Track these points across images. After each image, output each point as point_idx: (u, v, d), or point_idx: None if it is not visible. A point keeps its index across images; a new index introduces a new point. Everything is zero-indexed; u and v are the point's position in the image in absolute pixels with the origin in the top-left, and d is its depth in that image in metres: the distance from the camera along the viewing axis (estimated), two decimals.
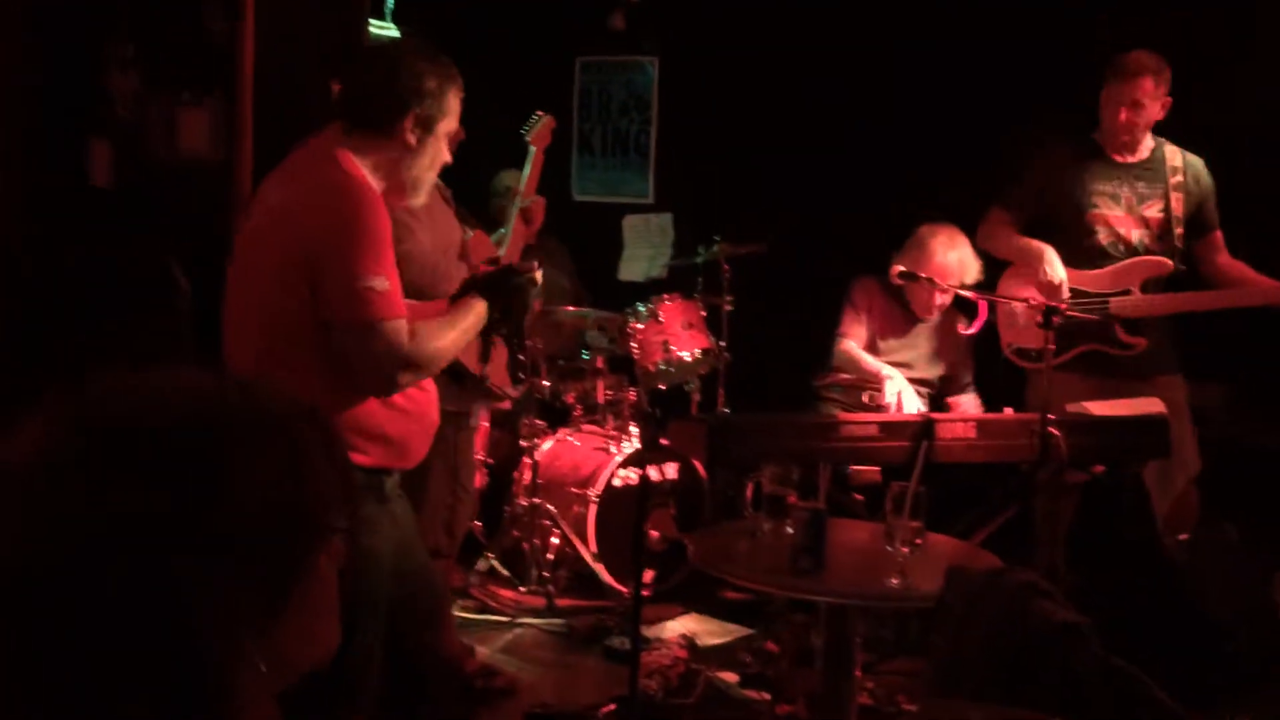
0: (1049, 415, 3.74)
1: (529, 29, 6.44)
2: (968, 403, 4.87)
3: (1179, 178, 4.40)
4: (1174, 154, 4.44)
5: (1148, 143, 4.45)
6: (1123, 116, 4.35)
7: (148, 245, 4.07)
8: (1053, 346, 3.71)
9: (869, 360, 4.80)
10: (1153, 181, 4.41)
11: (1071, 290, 4.40)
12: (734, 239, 5.35)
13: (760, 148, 6.12)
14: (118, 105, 4.26)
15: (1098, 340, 4.40)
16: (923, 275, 4.45)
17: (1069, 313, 3.86)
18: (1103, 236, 4.42)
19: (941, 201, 5.06)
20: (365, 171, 2.65)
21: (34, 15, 4.20)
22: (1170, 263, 4.37)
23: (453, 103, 2.73)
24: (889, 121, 5.86)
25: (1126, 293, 4.38)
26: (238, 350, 2.72)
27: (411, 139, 2.66)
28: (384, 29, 4.94)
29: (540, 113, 4.23)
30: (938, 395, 4.92)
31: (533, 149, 4.16)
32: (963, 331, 4.83)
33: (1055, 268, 4.38)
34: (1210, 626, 3.81)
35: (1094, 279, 4.41)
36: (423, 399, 2.81)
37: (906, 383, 4.71)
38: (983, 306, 4.49)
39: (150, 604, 0.89)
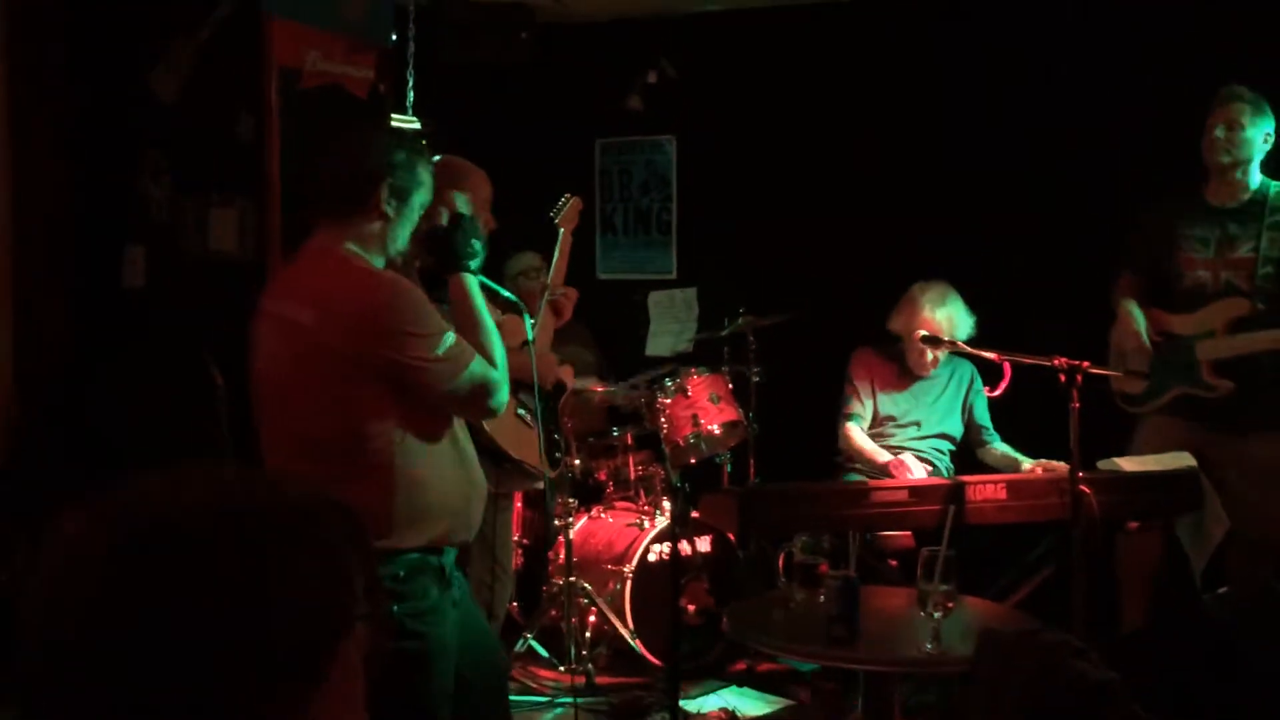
0: (1079, 473, 3.74)
1: (548, 114, 6.56)
2: (1007, 449, 4.84)
3: (1277, 217, 4.33)
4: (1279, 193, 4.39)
5: (1250, 184, 4.40)
6: (1216, 135, 4.33)
7: (182, 347, 4.16)
8: (1077, 405, 3.71)
9: (870, 449, 4.80)
10: (1246, 223, 4.37)
11: (1161, 334, 4.44)
12: (759, 310, 5.40)
13: (781, 219, 6.19)
14: (151, 209, 4.38)
15: (1186, 383, 4.38)
16: (918, 333, 4.58)
17: (1091, 370, 3.87)
18: (1190, 280, 4.42)
19: (960, 266, 5.11)
20: (365, 256, 2.75)
21: (71, 127, 4.34)
22: (1248, 303, 4.31)
23: (424, 176, 2.83)
24: (910, 189, 5.93)
25: (1211, 334, 4.36)
26: (282, 465, 2.78)
27: (389, 210, 2.76)
28: (407, 123, 5.06)
29: (568, 195, 4.29)
30: (960, 447, 4.93)
31: (561, 231, 4.21)
32: (989, 394, 4.86)
33: (1127, 325, 4.45)
34: (1254, 682, 3.78)
35: (1182, 322, 4.43)
36: (470, 463, 2.90)
37: (914, 460, 4.72)
38: (1007, 368, 4.50)
39: (182, 699, 0.93)
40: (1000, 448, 4.86)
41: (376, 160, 2.75)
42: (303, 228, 2.86)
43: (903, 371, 4.91)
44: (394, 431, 2.68)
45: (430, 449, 2.76)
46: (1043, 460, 4.58)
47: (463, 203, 3.02)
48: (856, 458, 4.85)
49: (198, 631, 0.93)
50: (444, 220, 3.02)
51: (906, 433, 4.90)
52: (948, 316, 4.71)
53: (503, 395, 2.81)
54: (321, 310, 2.68)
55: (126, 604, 0.94)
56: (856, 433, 4.88)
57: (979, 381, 4.94)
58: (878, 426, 4.94)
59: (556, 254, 4.20)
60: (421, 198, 2.83)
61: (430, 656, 2.72)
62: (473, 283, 2.92)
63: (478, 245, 2.96)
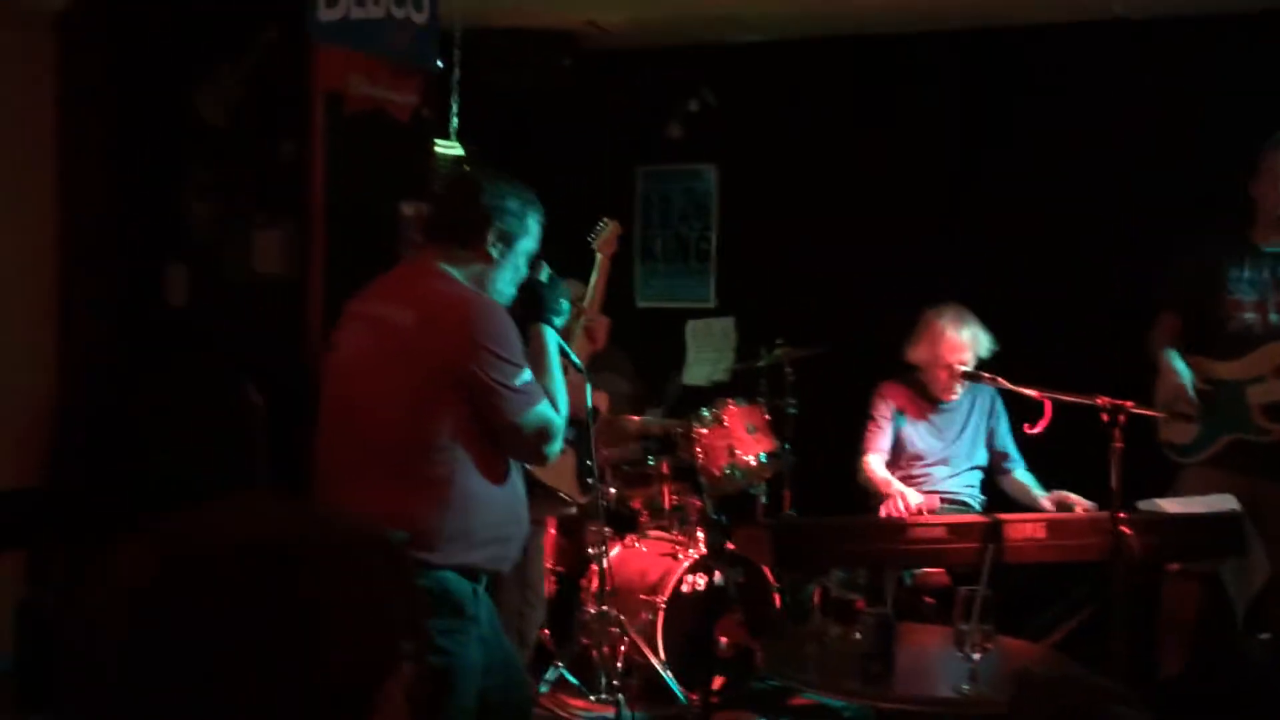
0: (1119, 514, 3.70)
1: (589, 140, 6.58)
2: (1029, 480, 4.79)
3: None
4: None
5: None
6: (1275, 190, 4.24)
7: (223, 367, 4.18)
8: (1119, 445, 3.66)
9: (882, 477, 4.76)
10: None
11: (1209, 380, 4.35)
12: (796, 341, 5.38)
13: (820, 250, 6.17)
14: (195, 229, 4.41)
15: (1238, 430, 4.30)
16: (958, 366, 4.57)
17: (1135, 410, 3.82)
18: (1237, 324, 4.34)
19: (1001, 301, 5.07)
20: (466, 283, 2.85)
21: (118, 146, 4.38)
22: None
23: (532, 225, 2.95)
24: (950, 221, 5.91)
25: (1261, 379, 4.28)
26: (346, 466, 2.83)
27: (494, 253, 2.87)
28: (449, 148, 5.08)
29: (606, 219, 4.29)
30: (990, 474, 4.88)
31: (599, 256, 4.21)
32: (1028, 431, 4.80)
33: (1171, 379, 4.35)
34: None
35: (1228, 368, 4.34)
36: (520, 500, 2.97)
37: (911, 492, 4.66)
38: (1048, 406, 4.45)
39: None
40: (1022, 477, 4.81)
41: (489, 204, 2.86)
42: (345, 249, 2.92)
43: (926, 401, 4.86)
44: (459, 449, 2.75)
45: (488, 475, 2.82)
46: (1057, 491, 4.53)
47: (547, 270, 3.11)
48: (870, 488, 4.81)
49: (242, 668, 0.93)
50: (542, 274, 3.09)
51: (937, 472, 4.84)
52: (972, 335, 4.69)
53: (558, 445, 2.89)
54: (421, 313, 2.78)
55: (170, 637, 0.93)
56: (875, 464, 4.84)
57: (1000, 404, 4.87)
58: (905, 468, 4.88)
59: (594, 279, 4.20)
60: (527, 245, 2.94)
61: (455, 674, 2.76)
62: (553, 337, 3.01)
63: (565, 305, 3.08)
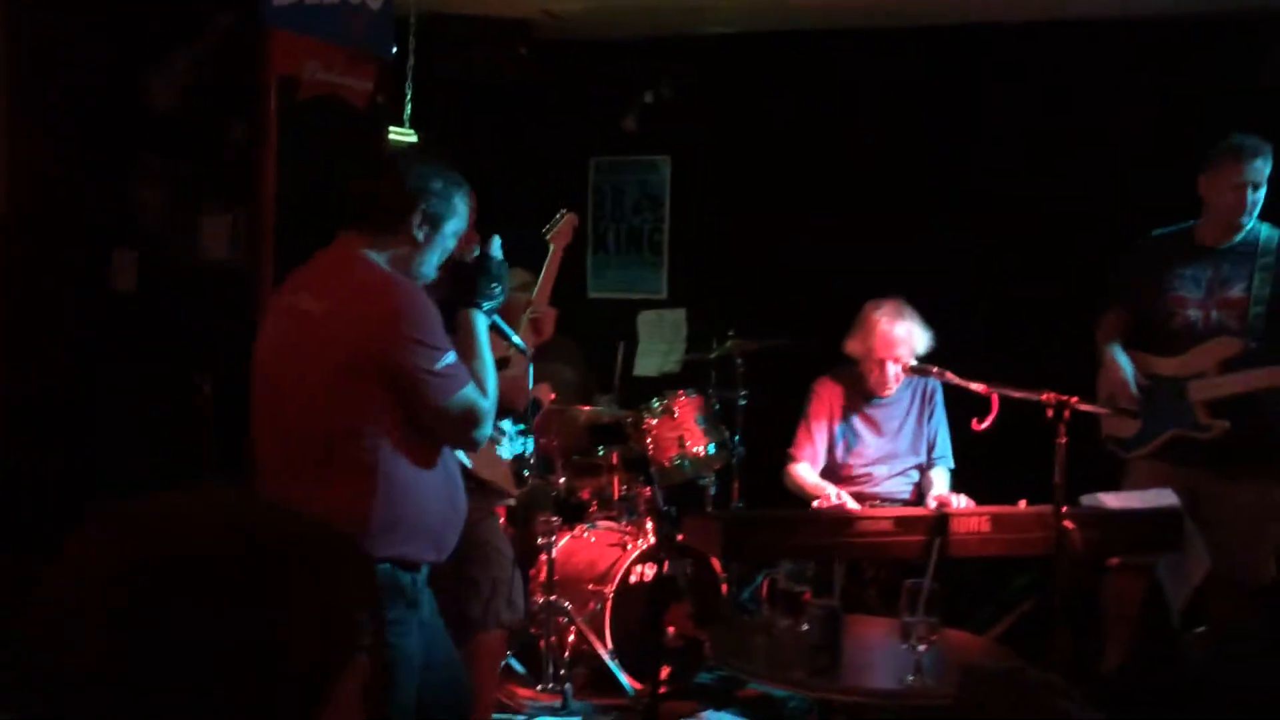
0: (1063, 509, 3.75)
1: (544, 130, 6.57)
2: (938, 477, 4.79)
3: (1269, 258, 4.33)
4: (1271, 236, 4.37)
5: (1243, 225, 4.39)
6: (1243, 198, 4.30)
7: (171, 354, 4.14)
8: (1064, 440, 3.71)
9: (813, 484, 4.72)
10: (1239, 263, 4.37)
11: (1151, 376, 4.42)
12: (747, 334, 5.40)
13: (772, 243, 6.20)
14: (145, 214, 4.37)
15: (1180, 425, 4.37)
16: (905, 362, 4.52)
17: (1080, 406, 3.87)
18: (1180, 320, 4.40)
19: (952, 295, 5.12)
20: (387, 268, 2.80)
21: (68, 131, 4.32)
22: (1239, 342, 4.30)
23: (460, 206, 2.89)
24: (902, 216, 5.95)
25: (1202, 375, 4.34)
26: (276, 457, 2.80)
27: (419, 235, 2.82)
28: (403, 135, 5.06)
29: (563, 211, 4.28)
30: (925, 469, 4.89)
31: (552, 247, 4.20)
32: (976, 428, 4.83)
33: (1114, 373, 4.42)
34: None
35: (1169, 364, 4.41)
36: (455, 487, 2.92)
37: (846, 498, 4.64)
38: (995, 401, 4.49)
39: (182, 717, 0.94)
40: (934, 474, 4.78)
41: (413, 185, 2.81)
42: (295, 236, 2.88)
43: (864, 396, 4.82)
44: (384, 438, 2.71)
45: (417, 463, 2.78)
46: (943, 494, 4.54)
47: (497, 246, 3.05)
48: (797, 492, 4.78)
49: (203, 657, 0.93)
50: (473, 254, 3.05)
51: (878, 470, 4.82)
52: (907, 331, 4.65)
53: (487, 429, 2.85)
54: (336, 303, 2.73)
55: (134, 628, 0.94)
56: (804, 471, 4.79)
57: (940, 396, 4.83)
58: (844, 468, 4.82)
59: (544, 270, 4.19)
60: (454, 226, 2.88)
61: (394, 668, 2.72)
62: (481, 321, 2.96)
63: (498, 289, 3.00)
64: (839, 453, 4.85)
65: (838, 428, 4.85)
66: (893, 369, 4.66)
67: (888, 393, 4.76)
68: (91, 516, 1.02)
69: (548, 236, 4.25)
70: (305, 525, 1.04)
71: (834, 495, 4.59)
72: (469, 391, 2.78)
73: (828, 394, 4.86)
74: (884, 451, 4.83)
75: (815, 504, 4.60)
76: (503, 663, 4.53)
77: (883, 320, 4.66)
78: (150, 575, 0.96)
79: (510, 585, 3.93)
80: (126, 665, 0.93)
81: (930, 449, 4.85)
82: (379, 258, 2.79)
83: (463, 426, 2.81)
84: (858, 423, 4.85)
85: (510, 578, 3.93)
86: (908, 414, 4.85)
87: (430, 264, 2.87)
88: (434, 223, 2.82)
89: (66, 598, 0.97)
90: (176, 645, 0.94)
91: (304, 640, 0.97)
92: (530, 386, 3.89)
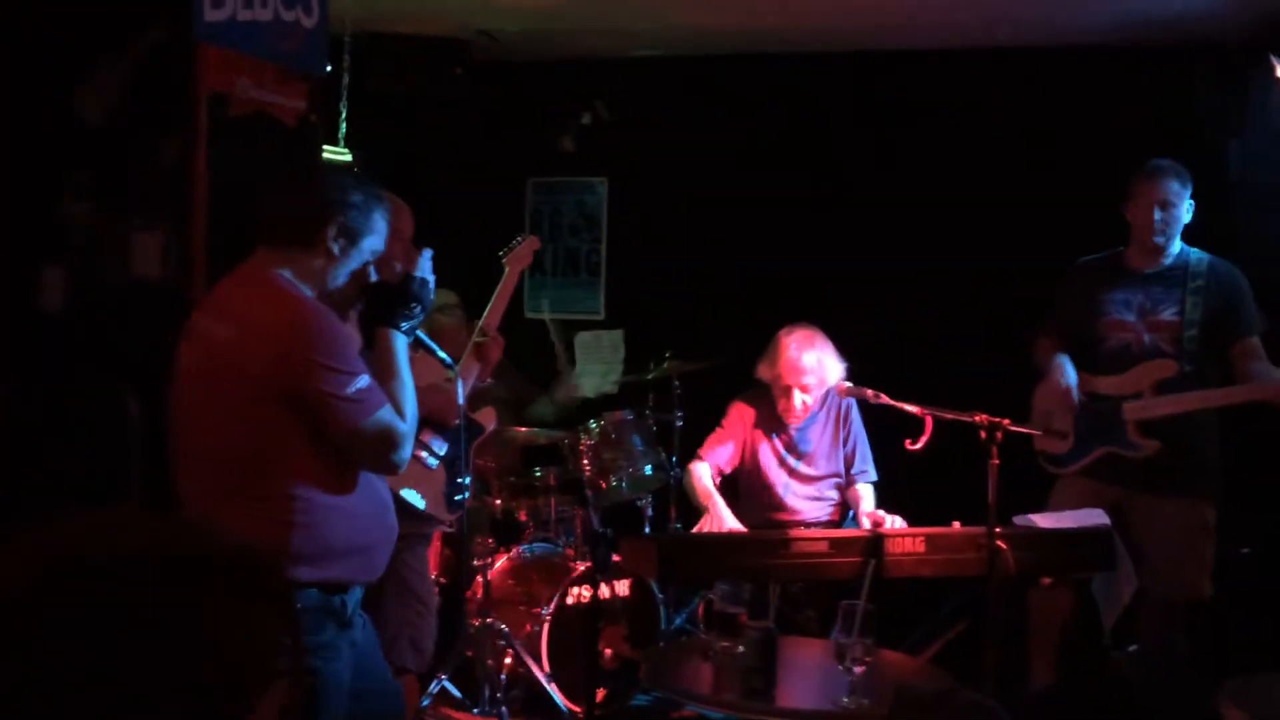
0: (996, 530, 3.77)
1: (480, 151, 6.55)
2: (865, 493, 4.83)
3: (1200, 282, 4.41)
4: (1200, 260, 4.46)
5: (1172, 249, 4.48)
6: (1153, 216, 4.40)
7: (99, 374, 4.07)
8: (996, 461, 3.74)
9: (704, 489, 4.78)
10: (1170, 286, 4.44)
11: (1088, 394, 4.48)
12: (684, 355, 5.41)
13: (709, 264, 6.22)
14: (73, 231, 4.29)
15: (1113, 443, 4.43)
16: (842, 385, 4.51)
17: (1012, 428, 3.91)
18: (1114, 342, 4.48)
19: (886, 319, 5.16)
20: (298, 285, 2.73)
21: None
22: (1174, 364, 4.37)
23: (379, 222, 2.81)
24: (836, 239, 6.00)
25: (1138, 395, 4.41)
26: (192, 484, 2.74)
27: (335, 249, 2.74)
28: (338, 154, 5.02)
29: (523, 235, 4.24)
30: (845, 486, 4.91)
31: (507, 270, 4.15)
32: (910, 448, 4.86)
33: (1060, 376, 4.47)
34: None
35: (1108, 383, 4.48)
36: (382, 506, 2.86)
37: (728, 516, 4.69)
38: (929, 422, 4.53)
39: None
40: (860, 489, 4.81)
41: (329, 198, 2.74)
42: (227, 254, 2.83)
43: (777, 419, 4.84)
44: (299, 461, 2.65)
45: (339, 486, 2.72)
46: (876, 512, 4.58)
47: (427, 267, 2.99)
48: (691, 496, 4.82)
49: (116, 680, 0.91)
50: (395, 272, 2.98)
51: (794, 493, 4.85)
52: (816, 360, 4.67)
53: (405, 452, 2.76)
54: (239, 327, 2.66)
55: (46, 650, 0.92)
56: (702, 473, 4.83)
57: (855, 411, 4.85)
58: (760, 491, 4.85)
59: (496, 294, 4.14)
60: (372, 243, 2.80)
61: (321, 692, 2.66)
62: (399, 341, 2.87)
63: (418, 310, 2.91)
64: (753, 476, 4.87)
65: (754, 449, 4.87)
66: (800, 397, 4.67)
67: (793, 420, 4.77)
68: (4, 537, 1.00)
69: (504, 259, 4.22)
70: (222, 546, 1.02)
71: (718, 518, 4.62)
72: (384, 414, 2.70)
73: (739, 415, 4.90)
74: (800, 474, 4.85)
75: (696, 527, 4.65)
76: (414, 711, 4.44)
77: (790, 347, 4.67)
78: (61, 596, 0.94)
79: (414, 627, 3.84)
80: (39, 687, 0.91)
81: (849, 466, 4.87)
82: (290, 274, 2.72)
83: (379, 450, 2.72)
84: (771, 446, 4.86)
85: (417, 620, 3.84)
86: (822, 434, 4.88)
87: (342, 278, 2.79)
88: (351, 236, 2.75)
89: None
90: (89, 666, 0.92)
91: (219, 662, 0.95)
92: (461, 402, 3.85)
